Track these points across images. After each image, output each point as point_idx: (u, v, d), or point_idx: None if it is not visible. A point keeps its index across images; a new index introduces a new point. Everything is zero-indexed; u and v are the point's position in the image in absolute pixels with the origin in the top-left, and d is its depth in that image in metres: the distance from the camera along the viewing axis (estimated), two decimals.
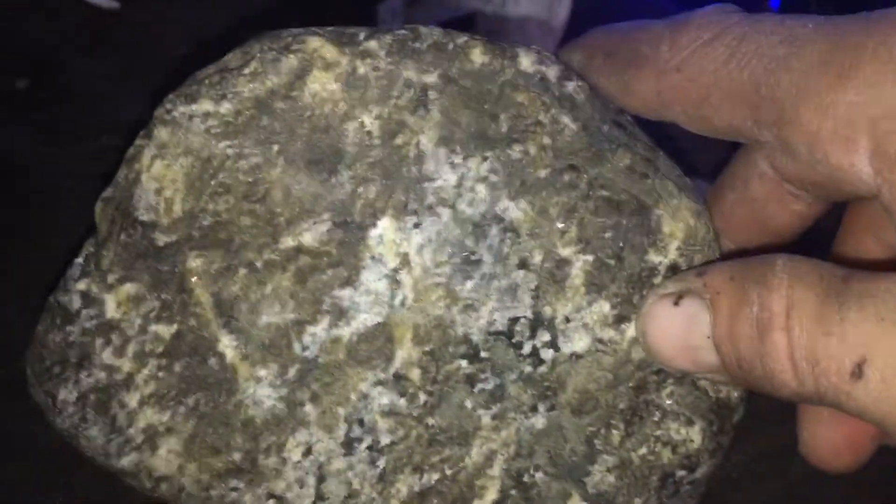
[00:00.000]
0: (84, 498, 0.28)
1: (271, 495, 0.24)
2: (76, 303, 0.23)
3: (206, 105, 0.22)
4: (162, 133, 0.23)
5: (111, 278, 0.23)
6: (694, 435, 0.25)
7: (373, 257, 0.23)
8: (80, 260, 0.23)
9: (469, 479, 0.24)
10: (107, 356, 0.23)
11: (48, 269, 0.30)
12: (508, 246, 0.23)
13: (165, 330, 0.23)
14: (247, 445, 0.23)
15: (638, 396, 0.24)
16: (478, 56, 0.23)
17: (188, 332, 0.23)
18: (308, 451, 0.23)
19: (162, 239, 0.23)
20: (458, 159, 0.23)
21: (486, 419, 0.24)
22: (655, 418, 0.24)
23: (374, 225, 0.23)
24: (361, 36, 0.23)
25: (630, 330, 0.24)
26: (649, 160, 0.24)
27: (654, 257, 0.23)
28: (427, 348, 0.23)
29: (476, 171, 0.23)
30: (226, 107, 0.22)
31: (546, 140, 0.23)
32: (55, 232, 0.33)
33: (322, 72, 0.23)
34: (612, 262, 0.23)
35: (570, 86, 0.24)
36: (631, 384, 0.24)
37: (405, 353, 0.23)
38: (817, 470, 0.26)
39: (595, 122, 0.24)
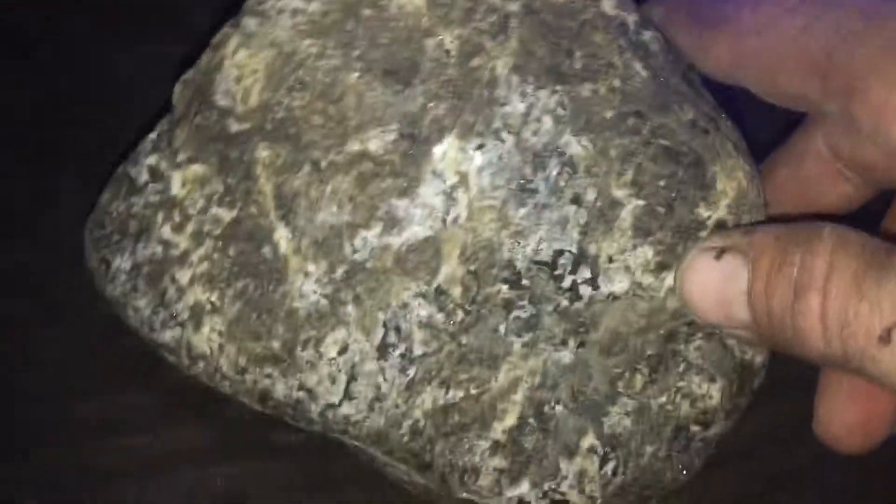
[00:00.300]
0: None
1: (302, 387, 0.24)
2: (144, 176, 0.24)
3: (296, 1, 0.23)
4: (250, 23, 0.23)
5: (181, 157, 0.24)
6: (714, 392, 0.25)
7: (433, 172, 0.24)
8: (153, 136, 0.24)
9: (492, 401, 0.25)
10: (166, 231, 0.24)
11: (103, 162, 0.31)
12: (565, 180, 0.24)
13: (226, 213, 0.24)
14: (287, 336, 0.24)
15: (666, 345, 0.25)
16: None
17: (247, 218, 0.24)
18: (344, 350, 0.24)
19: (235, 126, 0.24)
20: (529, 89, 0.23)
21: (517, 346, 0.25)
22: (680, 369, 0.25)
23: (440, 141, 0.24)
24: None
25: (669, 278, 0.24)
26: (712, 118, 0.24)
27: (703, 211, 0.24)
28: (472, 267, 0.24)
29: (545, 102, 0.23)
30: (315, 6, 0.23)
31: (616, 83, 0.24)
32: (114, 128, 0.34)
33: None
34: (662, 209, 0.24)
35: (647, 34, 0.24)
36: (662, 332, 0.25)
37: (450, 269, 0.24)
38: (828, 450, 0.26)
39: (665, 73, 0.24)
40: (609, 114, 0.24)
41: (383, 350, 0.24)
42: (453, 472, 0.25)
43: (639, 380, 0.25)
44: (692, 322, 0.25)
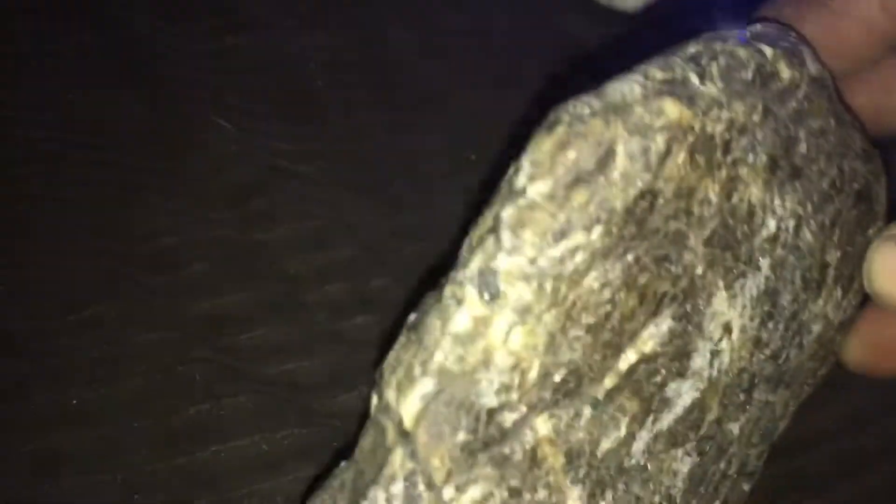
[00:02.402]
0: None
1: None
2: None
3: (578, 237, 0.15)
4: (523, 292, 0.15)
5: (449, 493, 0.16)
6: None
7: (702, 338, 0.19)
8: (396, 488, 0.16)
9: None
10: None
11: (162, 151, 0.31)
12: (800, 272, 0.21)
13: None
14: None
15: (826, 354, 0.25)
16: (785, 72, 0.19)
17: None
18: None
19: (510, 418, 0.16)
20: (777, 202, 0.19)
21: (735, 431, 0.23)
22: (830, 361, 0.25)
23: (710, 304, 0.19)
24: (695, 80, 0.17)
25: (847, 306, 0.23)
26: (866, 136, 0.22)
27: (872, 232, 0.23)
28: (726, 401, 0.21)
29: (791, 207, 0.20)
30: (598, 231, 0.16)
31: (826, 147, 0.20)
32: (173, 113, 0.33)
33: (680, 146, 0.17)
34: (850, 249, 0.22)
35: (827, 77, 0.21)
36: (830, 345, 0.24)
37: (712, 415, 0.21)
38: None
39: (838, 109, 0.21)
40: (824, 183, 0.21)
41: None
42: None
43: (805, 392, 0.25)
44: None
